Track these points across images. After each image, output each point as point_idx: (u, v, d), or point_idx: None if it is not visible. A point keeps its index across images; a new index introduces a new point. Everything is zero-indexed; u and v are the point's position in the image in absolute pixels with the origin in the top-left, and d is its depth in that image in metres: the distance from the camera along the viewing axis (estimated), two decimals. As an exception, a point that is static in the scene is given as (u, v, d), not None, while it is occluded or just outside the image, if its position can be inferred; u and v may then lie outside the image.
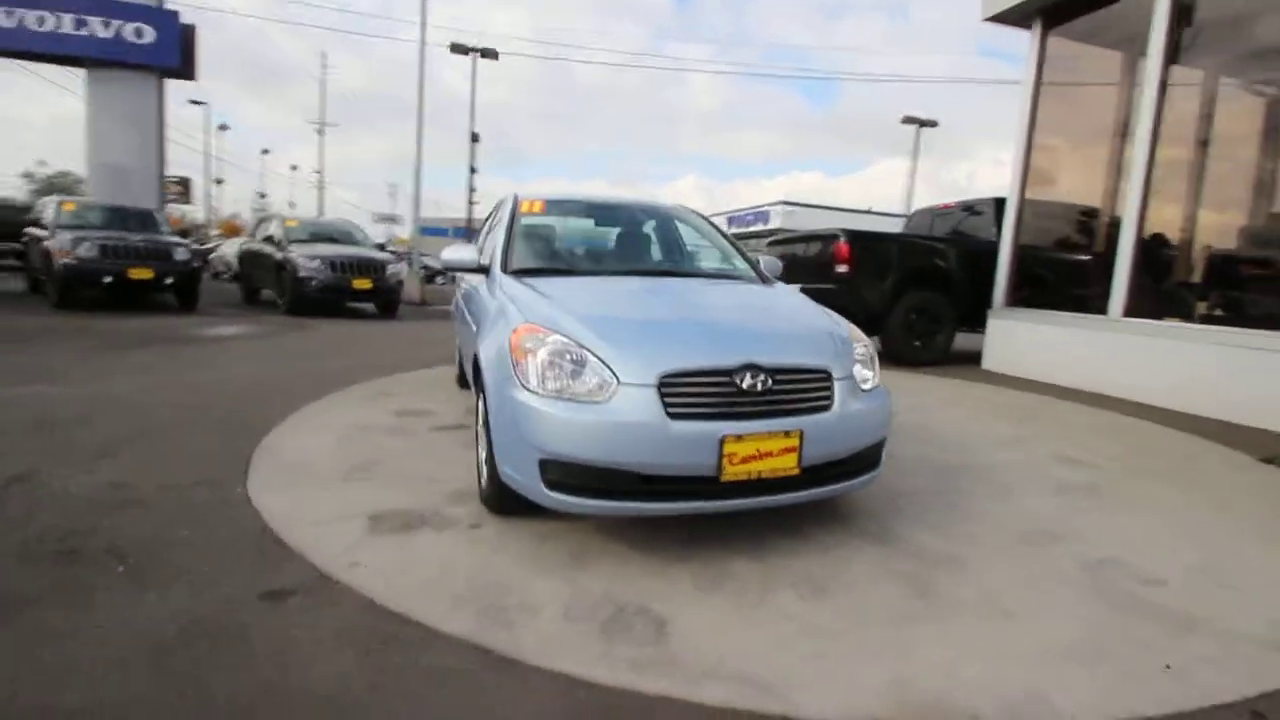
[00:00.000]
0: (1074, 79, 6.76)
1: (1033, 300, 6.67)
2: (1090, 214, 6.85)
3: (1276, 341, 4.52)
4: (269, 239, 10.38)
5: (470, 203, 26.99)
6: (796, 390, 2.21)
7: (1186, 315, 5.55)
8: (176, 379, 4.98)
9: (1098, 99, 6.80)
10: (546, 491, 2.10)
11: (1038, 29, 6.54)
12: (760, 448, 2.10)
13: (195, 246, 10.03)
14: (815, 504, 2.56)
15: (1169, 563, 2.37)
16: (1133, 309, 5.55)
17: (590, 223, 3.61)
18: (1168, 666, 1.75)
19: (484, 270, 3.15)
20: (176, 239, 9.51)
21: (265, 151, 56.96)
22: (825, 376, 2.28)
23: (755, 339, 2.34)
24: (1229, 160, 6.29)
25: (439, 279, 19.21)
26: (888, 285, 6.70)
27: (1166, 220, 5.96)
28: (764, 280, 3.32)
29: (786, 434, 2.13)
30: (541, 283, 2.79)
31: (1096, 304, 5.85)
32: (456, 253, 3.22)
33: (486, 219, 4.77)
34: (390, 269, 10.10)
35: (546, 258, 3.30)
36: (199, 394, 4.46)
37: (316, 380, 4.95)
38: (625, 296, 2.73)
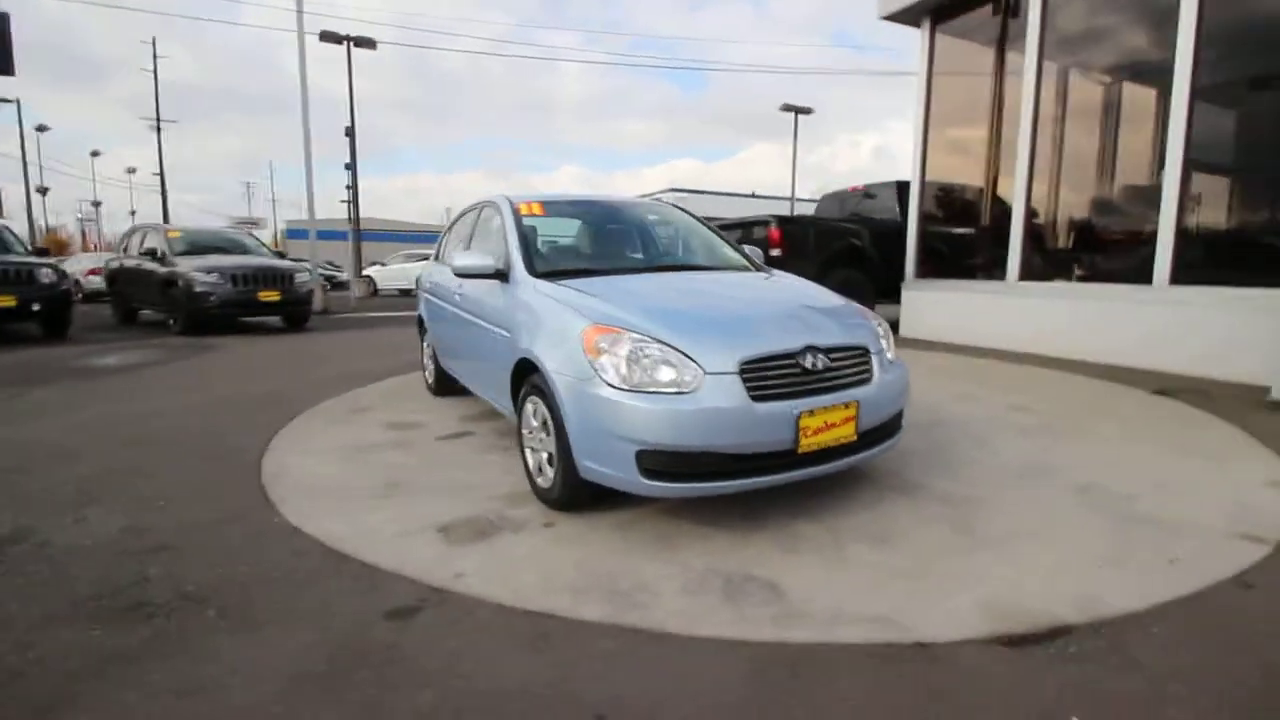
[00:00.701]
0: (959, 70, 7.58)
1: (940, 272, 7.47)
2: (982, 192, 7.75)
3: (1137, 293, 5.43)
4: (150, 253, 9.32)
5: (350, 202, 25.37)
6: (847, 366, 2.47)
7: (1067, 276, 6.48)
8: (103, 416, 4.46)
9: (981, 89, 7.68)
10: (644, 480, 2.23)
11: (927, 26, 7.28)
12: (827, 419, 2.34)
13: (59, 267, 8.78)
14: (842, 470, 2.85)
15: (1134, 481, 2.89)
16: (1025, 274, 6.40)
17: (591, 222, 3.67)
18: (1171, 561, 2.19)
19: (499, 275, 3.15)
20: (39, 259, 8.31)
21: (95, 154, 49.57)
22: (865, 353, 2.56)
23: (806, 324, 2.58)
24: (1085, 141, 7.36)
25: (355, 286, 18.13)
26: (815, 265, 7.23)
27: (1043, 195, 6.89)
28: (759, 269, 3.57)
29: (846, 405, 2.39)
30: (577, 283, 2.86)
31: (996, 271, 6.67)
32: (470, 259, 3.20)
33: (453, 224, 4.68)
34: (299, 278, 9.43)
35: (569, 259, 3.35)
36: (142, 429, 4.05)
37: (268, 404, 4.65)
38: (666, 291, 2.86)
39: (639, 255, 3.50)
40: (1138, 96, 6.22)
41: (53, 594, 2.06)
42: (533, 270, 3.05)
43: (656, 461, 2.21)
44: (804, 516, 2.56)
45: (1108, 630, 1.82)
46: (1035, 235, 6.58)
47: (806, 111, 26.04)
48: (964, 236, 7.67)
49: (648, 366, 2.25)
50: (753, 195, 37.58)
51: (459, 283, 3.81)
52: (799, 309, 2.76)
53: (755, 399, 2.24)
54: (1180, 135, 5.16)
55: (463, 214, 4.61)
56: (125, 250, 10.57)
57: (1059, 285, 6.30)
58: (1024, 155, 6.33)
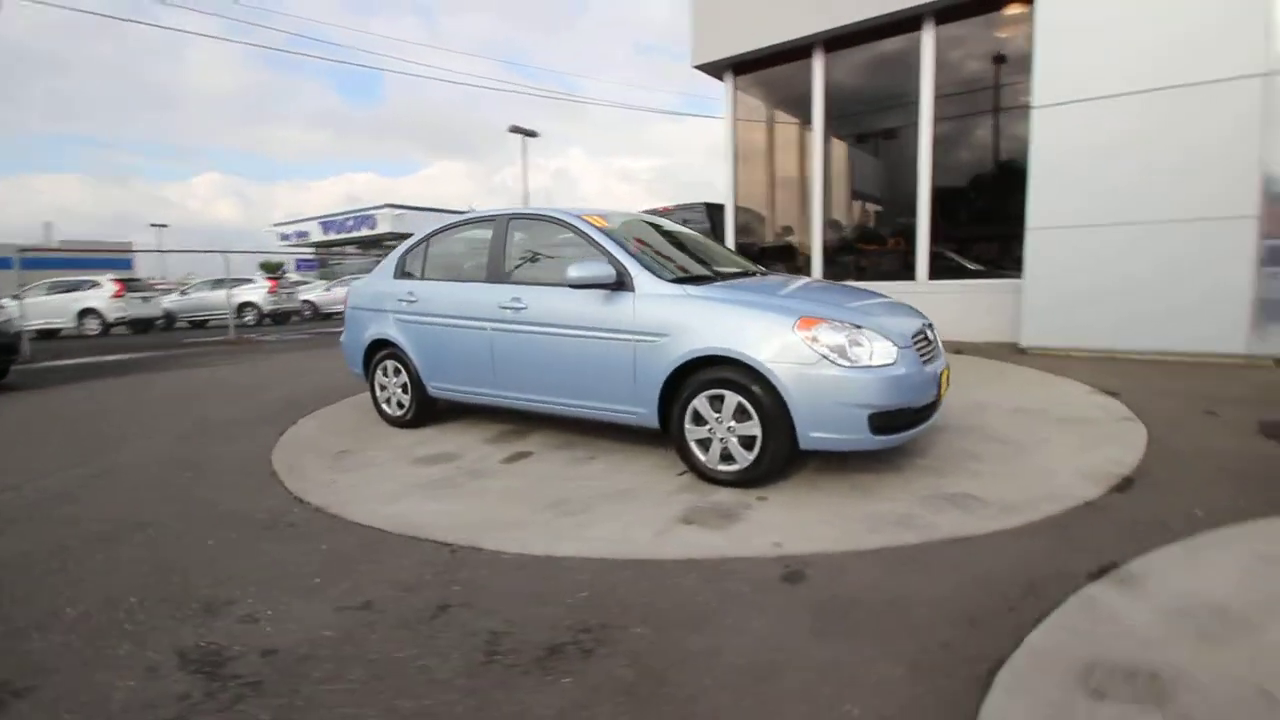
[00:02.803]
0: (756, 117, 9.30)
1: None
2: (784, 215, 9.59)
3: (909, 287, 7.59)
4: None
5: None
6: (931, 340, 3.35)
7: (856, 278, 8.57)
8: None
9: (774, 133, 9.52)
10: (874, 436, 2.77)
11: (730, 79, 8.80)
12: (944, 378, 3.19)
13: None
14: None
15: (1071, 405, 4.34)
16: (829, 277, 8.29)
17: (649, 235, 3.88)
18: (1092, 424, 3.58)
19: (616, 285, 3.27)
20: None
21: None
22: (932, 328, 3.49)
23: (895, 308, 3.38)
24: (860, 178, 9.71)
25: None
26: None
27: (840, 214, 8.91)
28: (765, 270, 4.26)
29: (947, 368, 3.27)
30: (711, 289, 3.21)
31: (804, 275, 8.46)
32: (588, 269, 3.24)
33: (426, 241, 4.32)
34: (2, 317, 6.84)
35: (677, 269, 3.54)
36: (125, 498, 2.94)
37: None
38: (793, 290, 3.36)
39: (705, 264, 3.87)
40: (897, 147, 8.47)
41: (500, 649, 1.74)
42: (667, 279, 3.27)
43: (882, 420, 2.78)
44: (907, 455, 3.37)
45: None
46: (831, 248, 8.53)
47: (532, 134, 27.11)
48: (775, 249, 9.38)
49: (863, 347, 2.81)
50: (469, 211, 37.44)
51: (508, 297, 3.69)
52: (875, 298, 3.56)
53: (923, 364, 2.98)
54: (927, 174, 7.43)
55: (449, 228, 4.32)
56: None
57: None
58: (817, 190, 8.23)
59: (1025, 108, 6.27)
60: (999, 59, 7.16)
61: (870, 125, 8.23)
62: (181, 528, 2.83)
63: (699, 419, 3.07)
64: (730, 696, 1.60)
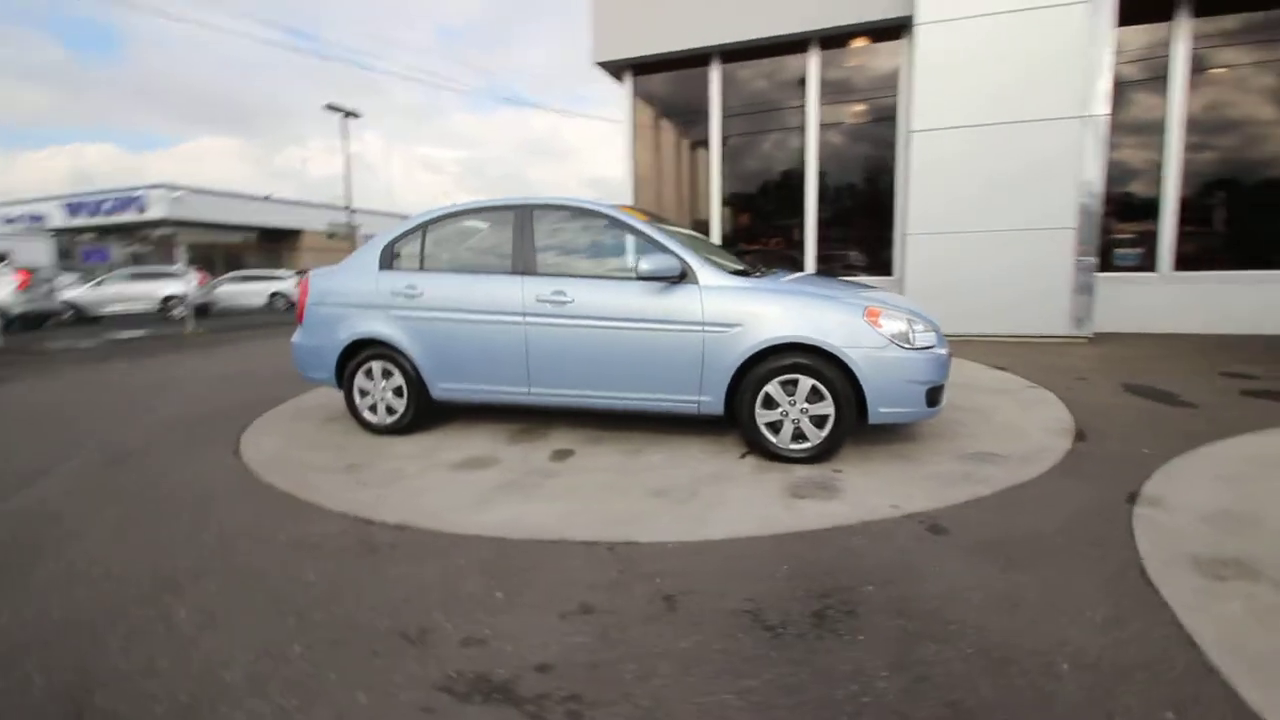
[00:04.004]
0: (654, 114, 9.59)
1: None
2: (676, 216, 10.00)
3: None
4: None
5: None
6: (933, 324, 3.93)
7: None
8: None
9: (670, 141, 9.87)
10: (928, 408, 3.22)
11: (630, 80, 9.02)
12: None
13: None
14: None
15: (983, 378, 5.25)
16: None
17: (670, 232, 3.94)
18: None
19: (679, 278, 3.36)
20: None
21: None
22: (923, 315, 4.07)
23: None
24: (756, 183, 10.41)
25: None
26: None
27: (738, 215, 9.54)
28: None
29: (944, 348, 3.88)
30: (765, 283, 3.45)
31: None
32: (657, 262, 3.30)
33: (423, 226, 3.97)
34: None
35: (725, 262, 3.66)
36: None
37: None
38: (823, 283, 3.69)
39: (722, 259, 4.03)
40: (784, 156, 9.31)
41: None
42: (727, 272, 3.43)
43: (933, 393, 3.24)
44: (909, 426, 3.92)
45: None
46: (732, 241, 9.14)
47: (354, 115, 24.70)
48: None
49: (920, 332, 3.24)
50: (267, 198, 33.10)
51: (547, 290, 3.57)
52: (882, 291, 4.05)
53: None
54: (814, 186, 8.35)
55: (450, 216, 4.00)
56: None
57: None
58: (716, 188, 8.81)
59: (890, 120, 7.38)
60: (875, 84, 8.29)
61: (760, 133, 8.99)
62: (261, 567, 2.38)
63: (769, 403, 3.30)
64: (1002, 620, 1.87)
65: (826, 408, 3.22)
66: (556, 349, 3.59)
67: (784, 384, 3.27)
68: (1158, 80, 7.10)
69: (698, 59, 8.65)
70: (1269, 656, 1.69)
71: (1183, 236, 7.19)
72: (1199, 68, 7.01)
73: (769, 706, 1.56)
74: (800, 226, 8.52)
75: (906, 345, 3.18)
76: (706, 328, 3.34)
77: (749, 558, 2.34)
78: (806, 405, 3.25)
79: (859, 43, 8.09)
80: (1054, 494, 2.85)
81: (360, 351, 4.00)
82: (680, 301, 3.39)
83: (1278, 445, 3.41)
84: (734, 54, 8.52)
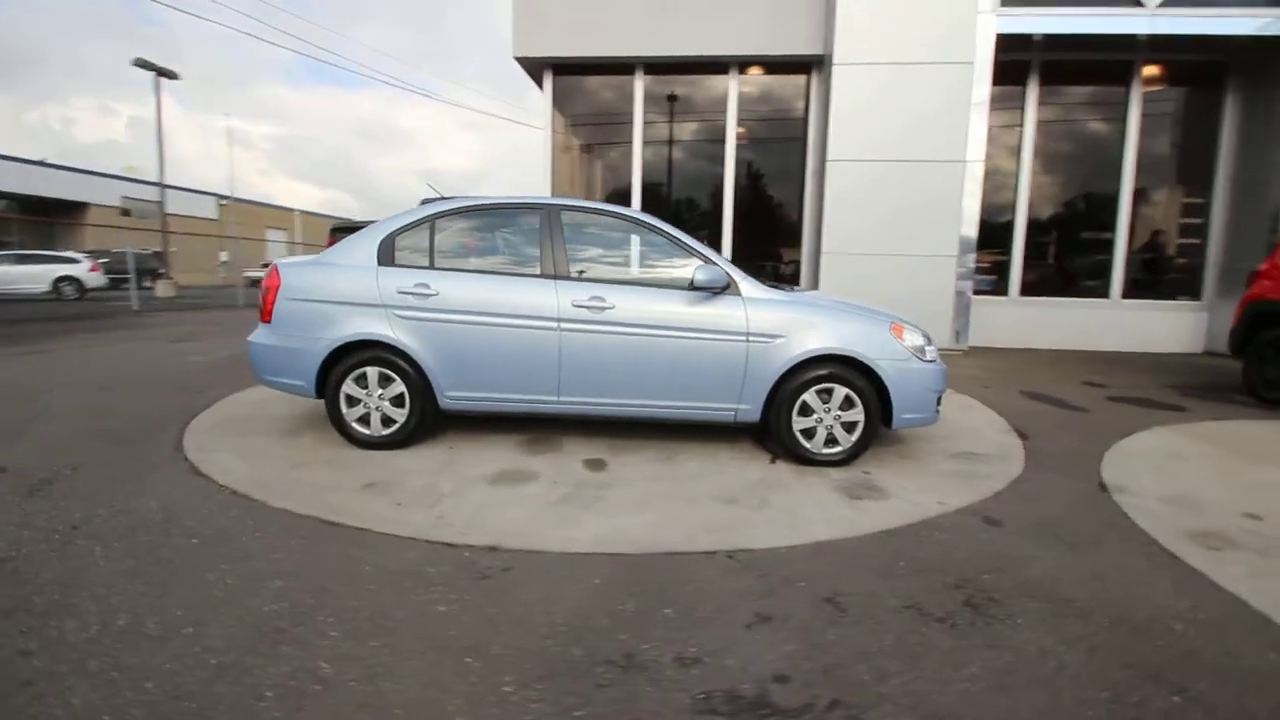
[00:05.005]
0: (573, 113, 9.44)
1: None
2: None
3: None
4: None
5: None
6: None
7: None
8: None
9: (587, 145, 9.76)
10: (936, 414, 3.62)
11: (550, 79, 8.84)
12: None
13: None
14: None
15: None
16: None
17: None
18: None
19: (723, 289, 3.46)
20: None
21: None
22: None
23: None
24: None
25: None
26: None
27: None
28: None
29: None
30: (797, 296, 3.66)
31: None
32: (710, 274, 3.36)
33: (429, 221, 3.65)
34: None
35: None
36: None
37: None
38: (836, 300, 3.96)
39: None
40: (701, 172, 9.60)
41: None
42: (764, 284, 3.57)
43: (939, 400, 3.65)
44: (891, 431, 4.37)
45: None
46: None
47: (171, 75, 21.11)
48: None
49: (930, 345, 3.63)
50: (43, 164, 27.34)
51: (585, 295, 3.47)
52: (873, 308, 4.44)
53: (935, 359, 3.97)
54: (730, 201, 8.81)
55: (461, 212, 3.72)
56: None
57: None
58: (637, 180, 8.97)
59: (801, 143, 8.07)
60: (790, 112, 8.94)
61: (680, 142, 9.28)
62: (378, 607, 2.07)
63: (804, 410, 3.50)
64: (1105, 593, 2.22)
65: (857, 415, 3.50)
66: (593, 356, 3.50)
67: (818, 392, 3.50)
68: (1015, 133, 8.52)
69: (622, 67, 8.74)
70: (1295, 605, 2.20)
71: (1027, 267, 8.68)
72: (1042, 124, 8.52)
73: (1008, 687, 1.73)
74: (718, 240, 8.94)
75: (922, 358, 3.56)
76: (751, 338, 3.46)
77: (862, 557, 2.51)
78: (839, 413, 3.50)
79: (775, 74, 8.71)
80: (1046, 485, 3.37)
81: (352, 355, 3.57)
82: (725, 312, 3.48)
83: (1168, 441, 4.30)
84: (658, 67, 8.74)
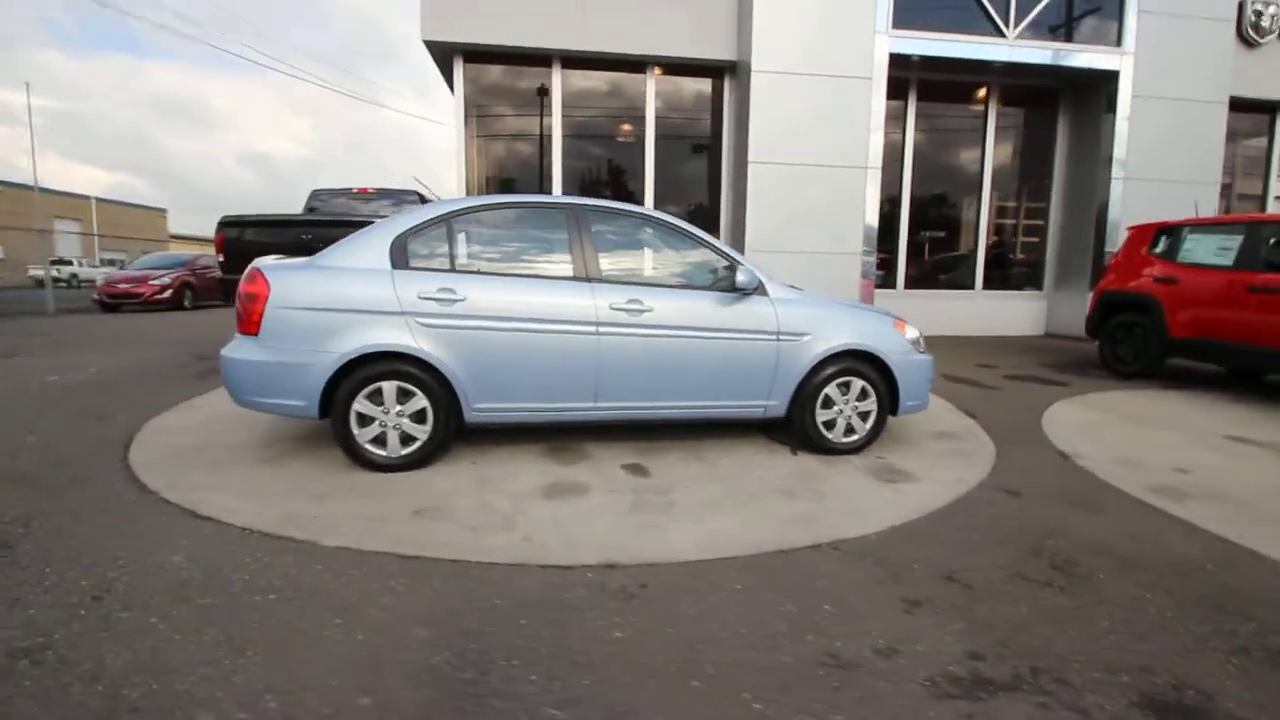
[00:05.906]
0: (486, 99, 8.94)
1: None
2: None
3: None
4: None
5: None
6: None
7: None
8: None
9: (501, 133, 9.28)
10: (930, 396, 4.01)
11: (460, 65, 8.35)
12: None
13: None
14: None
15: None
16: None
17: None
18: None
19: (755, 290, 3.55)
20: None
21: None
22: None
23: None
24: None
25: None
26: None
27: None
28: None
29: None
30: (811, 295, 3.86)
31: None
32: (750, 276, 3.46)
33: (445, 219, 3.36)
34: None
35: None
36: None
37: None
38: (836, 297, 4.20)
39: None
40: (619, 164, 9.51)
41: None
42: (785, 284, 3.71)
43: (930, 388, 4.04)
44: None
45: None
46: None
47: None
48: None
49: (923, 340, 4.00)
50: None
51: (622, 298, 3.40)
52: (860, 303, 4.76)
53: (915, 350, 4.38)
54: (650, 201, 8.92)
55: (478, 209, 3.46)
56: None
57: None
58: (558, 168, 8.77)
59: (717, 142, 8.40)
60: (706, 112, 9.19)
61: (596, 137, 9.20)
62: (552, 638, 1.90)
63: (826, 403, 3.72)
64: (1147, 550, 2.63)
65: (870, 405, 3.78)
66: (633, 360, 3.44)
67: (837, 385, 3.73)
68: (898, 142, 9.48)
69: (539, 59, 8.49)
70: (1260, 537, 2.76)
71: (909, 263, 9.74)
72: (918, 136, 9.57)
73: (1144, 635, 2.02)
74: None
75: (919, 349, 3.93)
76: (781, 336, 3.60)
77: (940, 536, 2.74)
78: (857, 404, 3.76)
79: (692, 75, 8.94)
80: (1023, 457, 3.88)
81: (364, 369, 3.19)
82: (757, 311, 3.58)
83: (1076, 412, 5.09)
84: (575, 61, 8.60)
